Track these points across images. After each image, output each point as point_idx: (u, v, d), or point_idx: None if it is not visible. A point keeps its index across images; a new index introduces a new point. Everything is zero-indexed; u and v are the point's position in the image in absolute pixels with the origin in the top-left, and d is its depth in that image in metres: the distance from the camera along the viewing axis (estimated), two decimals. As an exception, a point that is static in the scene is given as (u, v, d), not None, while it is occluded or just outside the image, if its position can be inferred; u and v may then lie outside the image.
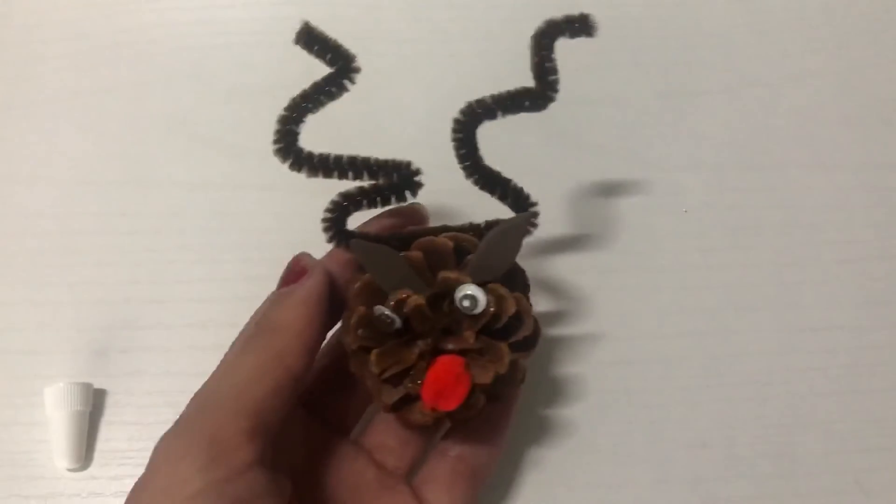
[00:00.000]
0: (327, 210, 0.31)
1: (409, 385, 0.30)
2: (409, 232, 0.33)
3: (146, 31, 0.45)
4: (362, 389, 0.33)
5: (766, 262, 0.42)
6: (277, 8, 0.46)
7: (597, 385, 0.39)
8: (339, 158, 0.31)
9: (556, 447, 0.38)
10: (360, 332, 0.30)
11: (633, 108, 0.44)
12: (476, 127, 0.32)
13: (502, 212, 0.33)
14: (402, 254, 0.31)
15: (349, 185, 0.32)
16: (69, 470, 0.37)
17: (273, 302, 0.31)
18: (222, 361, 0.30)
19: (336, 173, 0.31)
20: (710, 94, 0.45)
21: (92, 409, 0.38)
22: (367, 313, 0.30)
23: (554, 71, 0.32)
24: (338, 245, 0.31)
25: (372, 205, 0.32)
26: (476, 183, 0.33)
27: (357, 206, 0.32)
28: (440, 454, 0.34)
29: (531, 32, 0.32)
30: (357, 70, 0.31)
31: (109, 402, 0.38)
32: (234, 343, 0.31)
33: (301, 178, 0.42)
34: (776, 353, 0.40)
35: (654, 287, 0.41)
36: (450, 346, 0.30)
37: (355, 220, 0.32)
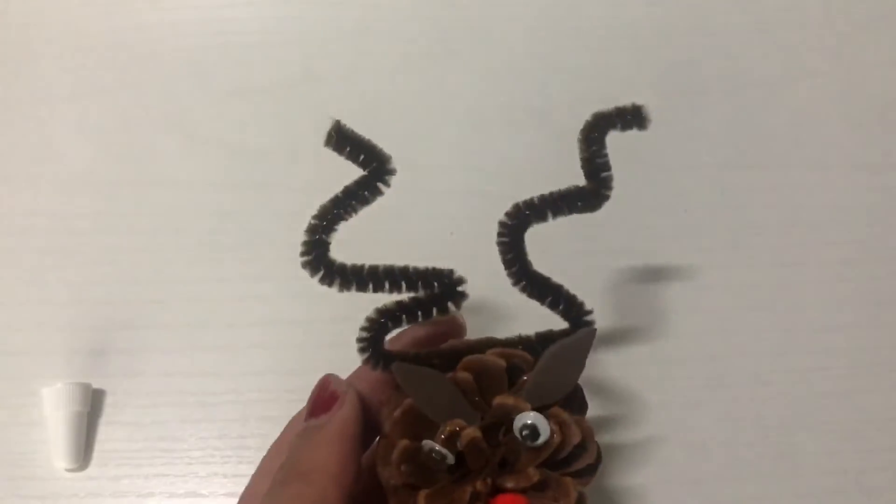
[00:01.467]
0: (363, 329, 0.28)
1: None
2: (451, 348, 0.29)
3: (146, 31, 0.45)
4: None
5: (766, 262, 0.42)
6: (277, 8, 0.46)
7: (596, 385, 0.39)
8: (374, 269, 0.28)
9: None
10: (403, 468, 0.27)
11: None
12: (524, 230, 0.29)
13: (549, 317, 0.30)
14: (448, 375, 0.28)
15: (385, 298, 0.29)
16: (67, 470, 0.37)
17: (302, 438, 0.28)
18: None
19: (371, 286, 0.28)
20: (710, 94, 0.45)
21: (90, 409, 0.38)
22: (413, 447, 0.27)
23: (607, 167, 0.29)
24: (375, 368, 0.28)
25: (412, 320, 0.29)
26: (524, 290, 0.29)
27: (396, 323, 0.29)
28: None
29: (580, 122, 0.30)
30: (392, 172, 0.28)
31: (108, 402, 0.38)
32: (252, 478, 0.28)
33: (300, 178, 0.42)
34: (776, 354, 0.40)
35: (654, 287, 0.41)
36: (510, 485, 0.27)
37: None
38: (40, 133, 0.43)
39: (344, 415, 0.28)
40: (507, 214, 0.29)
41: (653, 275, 0.41)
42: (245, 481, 0.29)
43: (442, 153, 0.43)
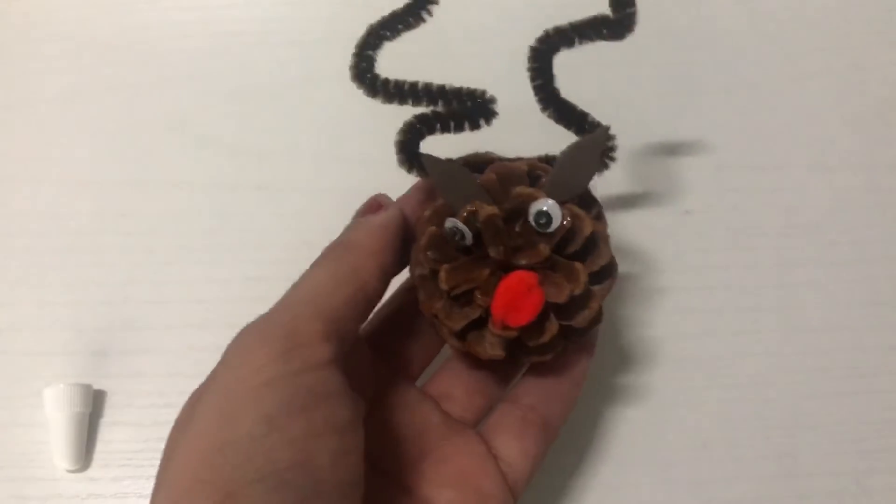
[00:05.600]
0: (401, 132, 0.31)
1: (479, 297, 0.29)
2: (480, 158, 0.32)
3: (146, 31, 0.45)
4: (429, 337, 0.33)
5: (766, 262, 0.42)
6: (277, 8, 0.46)
7: (596, 385, 0.39)
8: (414, 85, 0.32)
9: (553, 448, 0.38)
10: (429, 253, 0.29)
11: (633, 108, 0.44)
12: (553, 56, 0.32)
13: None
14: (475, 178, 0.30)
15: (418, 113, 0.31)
16: (69, 471, 0.37)
17: (349, 227, 0.31)
18: (300, 277, 0.30)
19: (411, 100, 0.32)
20: (711, 94, 0.45)
21: (91, 410, 0.38)
22: (438, 232, 0.29)
23: (632, 3, 0.31)
24: (409, 169, 0.31)
25: (445, 129, 0.32)
26: (551, 116, 0.32)
27: (431, 130, 0.31)
28: (510, 403, 0.33)
29: None
30: (434, 1, 0.32)
31: (109, 403, 0.38)
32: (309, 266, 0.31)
33: (300, 178, 0.42)
34: (777, 354, 0.40)
35: (655, 288, 0.41)
36: (523, 261, 0.29)
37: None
38: (40, 133, 0.43)
39: (388, 213, 0.31)
40: (537, 40, 0.32)
41: (653, 275, 0.41)
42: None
43: (440, 153, 0.43)
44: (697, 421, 0.39)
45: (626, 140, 0.44)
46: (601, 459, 0.38)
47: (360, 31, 0.45)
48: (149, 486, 0.36)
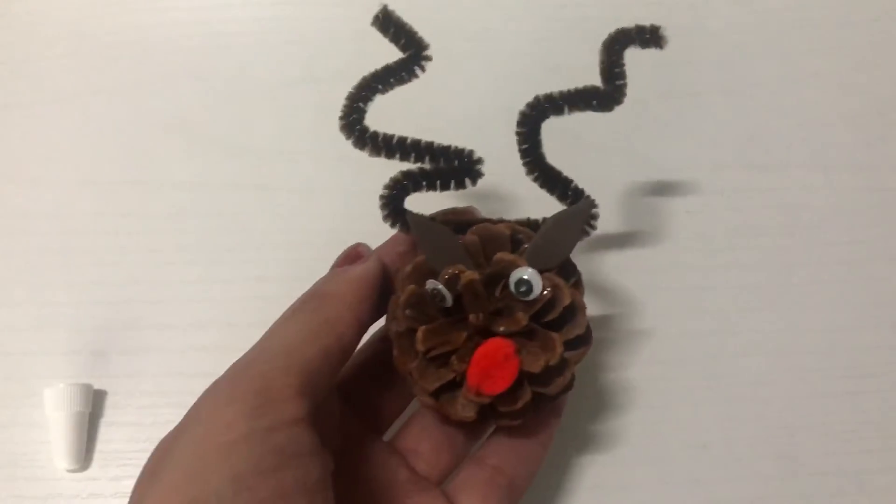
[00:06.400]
0: (386, 187, 0.31)
1: (455, 363, 0.29)
2: (465, 220, 0.32)
3: (146, 31, 0.45)
4: (400, 388, 0.33)
5: (766, 262, 0.42)
6: (277, 8, 0.46)
7: (596, 386, 0.39)
8: (402, 140, 0.31)
9: (553, 449, 0.38)
10: (408, 311, 0.29)
11: (633, 107, 0.44)
12: (541, 122, 0.32)
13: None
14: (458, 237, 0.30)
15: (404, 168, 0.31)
16: (69, 471, 0.37)
17: (326, 278, 0.31)
18: (271, 327, 0.29)
19: (398, 154, 0.31)
20: (710, 94, 0.45)
21: (92, 410, 0.38)
22: (418, 292, 0.29)
23: (623, 76, 0.32)
24: (393, 225, 0.31)
25: (431, 187, 0.31)
26: (536, 180, 0.32)
27: (416, 187, 0.31)
28: (477, 463, 0.32)
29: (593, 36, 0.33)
30: (428, 58, 0.32)
31: (109, 403, 0.38)
32: (282, 315, 0.30)
33: (300, 178, 0.42)
34: (777, 354, 0.40)
35: (655, 288, 0.41)
36: (501, 329, 0.29)
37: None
38: (40, 133, 0.43)
39: (366, 265, 0.31)
40: (527, 105, 0.32)
41: (653, 275, 0.41)
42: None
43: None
44: (697, 421, 0.39)
45: (627, 140, 0.44)
46: (601, 459, 0.38)
47: (359, 30, 0.45)
48: (149, 485, 0.36)
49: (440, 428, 0.33)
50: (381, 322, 0.32)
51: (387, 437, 0.34)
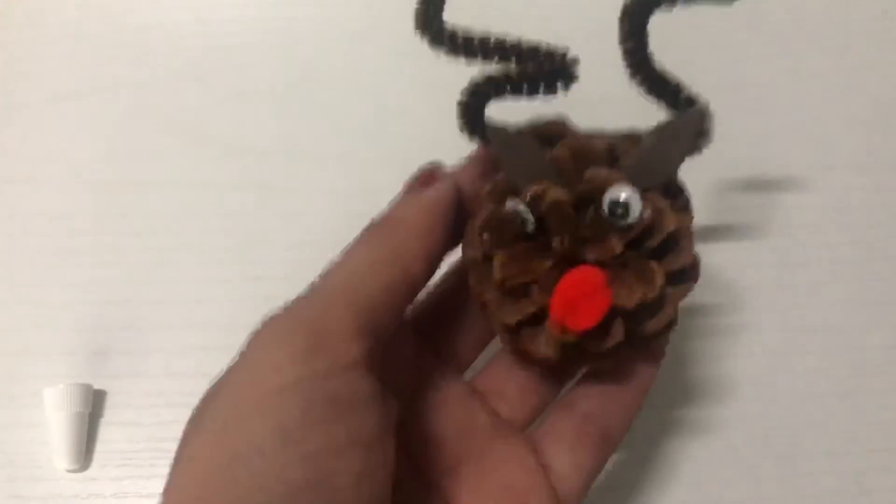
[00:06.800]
0: (464, 93, 0.27)
1: (537, 294, 0.25)
2: (554, 132, 0.28)
3: (146, 31, 0.45)
4: (482, 325, 0.30)
5: (766, 262, 0.42)
6: (277, 8, 0.46)
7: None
8: (485, 39, 0.27)
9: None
10: (485, 235, 0.26)
11: (633, 108, 0.44)
12: (648, 16, 0.27)
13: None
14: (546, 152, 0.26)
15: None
16: (69, 471, 0.37)
17: (396, 202, 0.28)
18: (336, 258, 0.26)
19: (480, 55, 0.27)
20: (710, 93, 0.45)
21: (91, 410, 0.38)
22: (496, 213, 0.26)
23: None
24: (470, 136, 0.27)
25: (516, 92, 0.27)
26: (640, 84, 0.28)
27: (499, 92, 0.27)
28: (565, 408, 0.29)
29: None
30: None
31: (109, 403, 0.38)
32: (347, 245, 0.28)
33: (300, 178, 0.42)
34: (777, 353, 0.40)
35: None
36: (590, 256, 0.25)
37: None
38: (41, 133, 0.43)
39: (440, 187, 0.27)
40: None
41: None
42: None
43: (440, 153, 0.43)
44: (698, 421, 0.39)
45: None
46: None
47: (359, 30, 0.45)
48: (149, 485, 0.36)
49: (528, 368, 0.30)
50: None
51: (467, 376, 0.31)
